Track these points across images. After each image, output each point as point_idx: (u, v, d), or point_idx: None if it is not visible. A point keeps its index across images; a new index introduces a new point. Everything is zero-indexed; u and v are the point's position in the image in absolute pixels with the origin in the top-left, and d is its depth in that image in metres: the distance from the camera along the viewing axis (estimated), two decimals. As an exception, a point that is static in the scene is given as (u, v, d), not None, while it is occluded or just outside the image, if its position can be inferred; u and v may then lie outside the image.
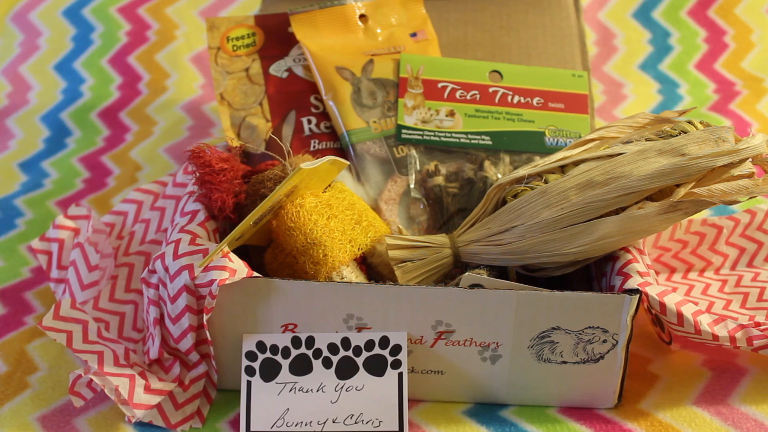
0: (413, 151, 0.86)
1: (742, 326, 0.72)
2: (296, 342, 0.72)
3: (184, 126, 1.25)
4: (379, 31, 0.91)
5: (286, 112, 0.88)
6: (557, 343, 0.71)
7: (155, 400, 0.71)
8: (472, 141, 0.86)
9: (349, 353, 0.72)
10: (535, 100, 0.88)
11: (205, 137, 1.22)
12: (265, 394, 0.71)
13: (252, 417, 0.71)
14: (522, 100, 0.88)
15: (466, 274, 0.73)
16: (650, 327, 0.81)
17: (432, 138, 0.86)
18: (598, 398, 0.74)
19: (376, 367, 0.71)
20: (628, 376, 0.76)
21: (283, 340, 0.72)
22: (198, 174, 0.78)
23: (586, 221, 0.72)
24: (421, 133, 0.86)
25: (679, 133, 0.74)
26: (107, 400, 0.75)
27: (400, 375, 0.71)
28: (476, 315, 0.71)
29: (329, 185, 0.79)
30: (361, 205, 0.78)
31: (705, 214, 0.98)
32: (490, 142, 0.86)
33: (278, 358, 0.72)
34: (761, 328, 0.72)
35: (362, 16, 0.91)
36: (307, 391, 0.71)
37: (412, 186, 0.85)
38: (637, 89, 1.30)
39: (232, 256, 0.71)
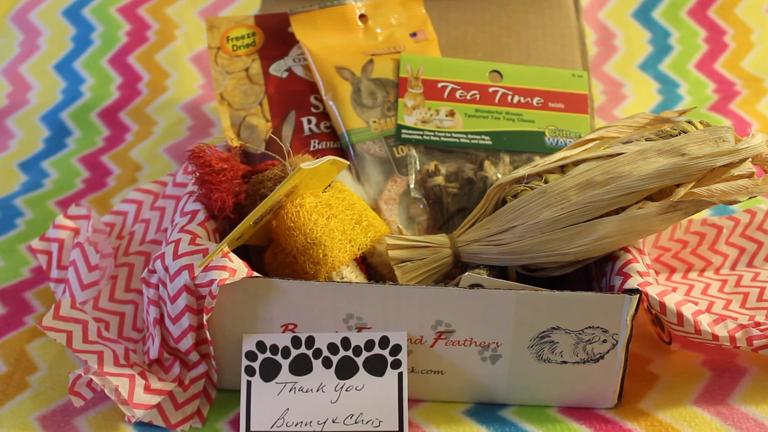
0: (413, 151, 0.86)
1: (742, 326, 0.72)
2: (296, 342, 0.72)
3: (184, 126, 1.25)
4: (379, 31, 0.91)
5: (286, 112, 0.88)
6: (557, 343, 0.71)
7: (155, 400, 0.71)
8: (472, 141, 0.86)
9: (349, 353, 0.72)
10: (535, 100, 0.88)
11: (205, 137, 1.22)
12: (265, 394, 0.71)
13: (252, 417, 0.71)
14: (522, 100, 0.88)
15: (466, 274, 0.73)
16: (650, 327, 0.81)
17: (432, 138, 0.86)
18: (598, 398, 0.74)
19: (376, 367, 0.71)
20: (628, 376, 0.76)
21: (283, 340, 0.72)
22: (198, 174, 0.78)
23: (586, 221, 0.72)
24: (421, 133, 0.86)
25: (679, 133, 0.74)
26: (107, 400, 0.75)
27: (400, 375, 0.71)
28: (476, 315, 0.71)
29: (329, 185, 0.79)
30: (361, 205, 0.79)
31: (705, 214, 0.98)
32: (490, 142, 0.86)
33: (278, 358, 0.72)
34: (761, 328, 0.72)
35: (362, 16, 0.91)
36: (307, 391, 0.71)
37: (412, 186, 0.85)
38: (637, 89, 1.30)
39: (232, 256, 0.71)
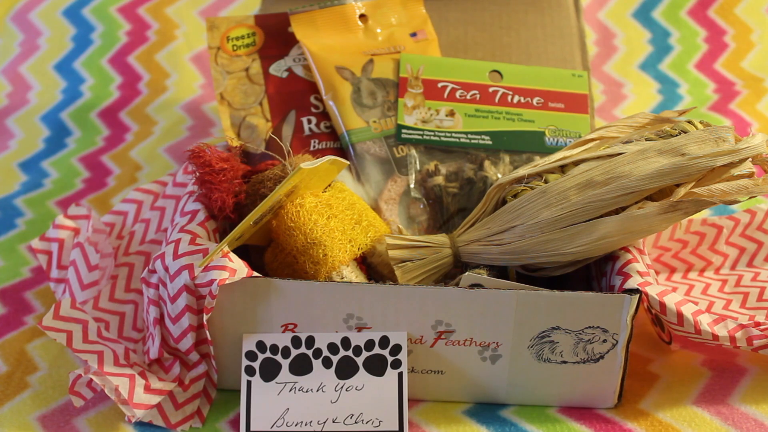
0: (413, 151, 0.86)
1: (742, 326, 0.72)
2: (296, 342, 0.72)
3: (184, 126, 1.25)
4: (379, 30, 0.91)
5: (286, 112, 0.88)
6: (557, 342, 0.71)
7: (155, 399, 0.71)
8: (472, 141, 0.86)
9: (349, 353, 0.72)
10: (535, 100, 0.88)
11: (205, 137, 1.22)
12: (265, 394, 0.71)
13: (252, 417, 0.71)
14: (522, 100, 0.88)
15: (466, 273, 0.73)
16: (650, 327, 0.81)
17: (432, 138, 0.86)
18: (598, 398, 0.74)
19: (376, 366, 0.71)
20: (628, 376, 0.76)
21: (283, 339, 0.72)
22: (198, 174, 0.78)
23: (586, 221, 0.72)
24: (421, 132, 0.86)
25: (679, 133, 0.74)
26: (107, 400, 0.75)
27: (400, 375, 0.71)
28: (476, 315, 0.71)
29: (329, 185, 0.79)
30: (361, 205, 0.79)
31: (705, 214, 0.98)
32: (490, 142, 0.86)
33: (278, 357, 0.72)
34: (761, 327, 0.72)
35: (362, 16, 0.91)
36: (307, 391, 0.71)
37: (412, 186, 0.85)
38: (637, 89, 1.30)
39: (232, 255, 0.71)
